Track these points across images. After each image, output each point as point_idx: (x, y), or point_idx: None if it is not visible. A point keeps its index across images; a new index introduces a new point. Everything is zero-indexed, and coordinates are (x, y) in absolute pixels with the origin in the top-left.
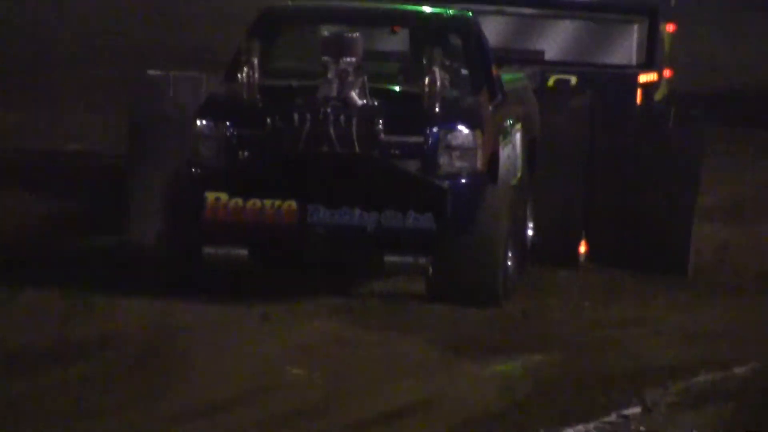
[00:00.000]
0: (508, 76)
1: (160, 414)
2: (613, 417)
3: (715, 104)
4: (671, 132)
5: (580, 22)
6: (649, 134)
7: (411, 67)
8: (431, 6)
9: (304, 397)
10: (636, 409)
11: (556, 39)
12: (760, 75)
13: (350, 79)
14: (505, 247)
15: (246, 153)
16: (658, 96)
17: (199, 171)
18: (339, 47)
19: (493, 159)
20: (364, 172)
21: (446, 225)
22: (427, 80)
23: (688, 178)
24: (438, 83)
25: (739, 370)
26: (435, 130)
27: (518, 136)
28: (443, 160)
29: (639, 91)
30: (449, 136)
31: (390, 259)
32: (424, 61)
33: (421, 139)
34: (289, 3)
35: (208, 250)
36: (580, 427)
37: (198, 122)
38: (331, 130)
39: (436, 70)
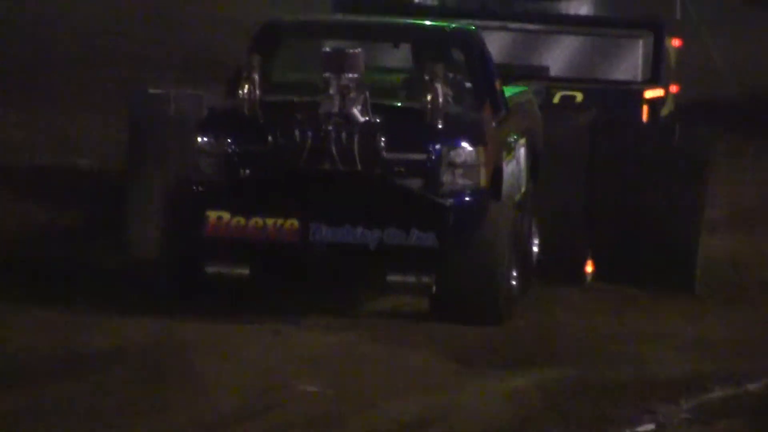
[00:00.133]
0: (512, 90)
1: (167, 427)
2: None
3: (721, 113)
4: (677, 147)
5: (584, 37)
6: (655, 149)
7: (413, 83)
8: (434, 21)
9: (314, 410)
10: (649, 426)
11: (560, 55)
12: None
13: (352, 94)
14: (508, 265)
15: (247, 169)
16: (664, 112)
17: (199, 188)
18: (340, 62)
19: (496, 175)
20: (366, 190)
21: (449, 243)
22: (429, 96)
23: (696, 192)
24: (440, 99)
25: (752, 387)
26: (438, 146)
27: (522, 151)
28: (446, 177)
29: (645, 107)
30: (452, 153)
31: (392, 278)
32: (426, 77)
33: (423, 156)
34: (292, 17)
35: (209, 268)
36: None
37: (199, 138)
38: (333, 147)
39: (439, 85)
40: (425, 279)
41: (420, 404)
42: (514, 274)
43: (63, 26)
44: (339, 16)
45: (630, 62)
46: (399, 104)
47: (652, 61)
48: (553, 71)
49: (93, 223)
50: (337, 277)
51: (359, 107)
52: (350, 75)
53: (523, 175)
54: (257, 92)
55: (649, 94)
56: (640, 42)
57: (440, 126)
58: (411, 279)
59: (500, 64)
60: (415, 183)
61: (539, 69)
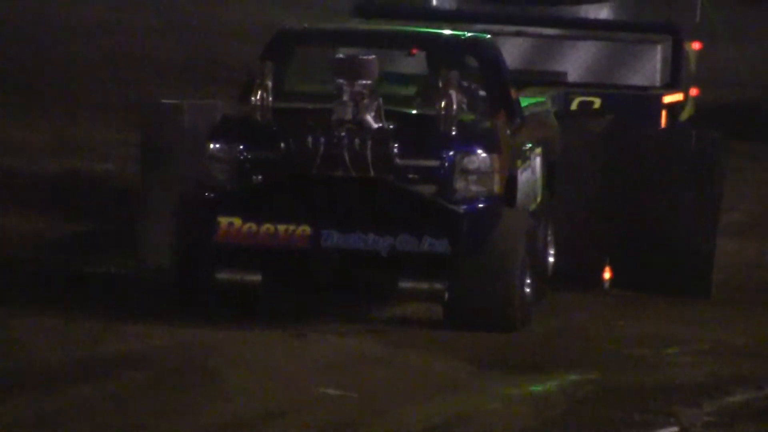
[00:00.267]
0: (528, 100)
1: (188, 430)
2: None
3: (741, 116)
4: (693, 152)
5: (602, 42)
6: (671, 155)
7: (427, 90)
8: (450, 28)
9: (336, 414)
10: (672, 429)
11: (578, 60)
12: None
13: (365, 101)
14: (522, 273)
15: (259, 176)
16: (684, 116)
17: (211, 194)
18: (353, 69)
19: (510, 183)
20: (378, 197)
21: (462, 250)
22: (443, 103)
23: (711, 197)
24: (454, 106)
25: None
26: (451, 153)
27: (538, 160)
28: (459, 184)
29: (664, 112)
30: (466, 160)
31: (404, 284)
32: (440, 84)
33: (436, 162)
34: (305, 24)
35: (220, 274)
36: None
37: (211, 145)
38: (346, 154)
39: (453, 92)
40: (437, 286)
41: (442, 407)
42: (529, 281)
43: (63, 26)
44: (352, 24)
45: (648, 67)
46: (412, 111)
47: (671, 65)
48: (571, 77)
49: (105, 229)
50: (349, 284)
51: (372, 114)
52: (363, 82)
53: (539, 184)
54: (270, 99)
55: (668, 98)
56: (659, 46)
57: (454, 133)
58: (423, 286)
59: (518, 69)
60: (428, 190)
61: (557, 74)
